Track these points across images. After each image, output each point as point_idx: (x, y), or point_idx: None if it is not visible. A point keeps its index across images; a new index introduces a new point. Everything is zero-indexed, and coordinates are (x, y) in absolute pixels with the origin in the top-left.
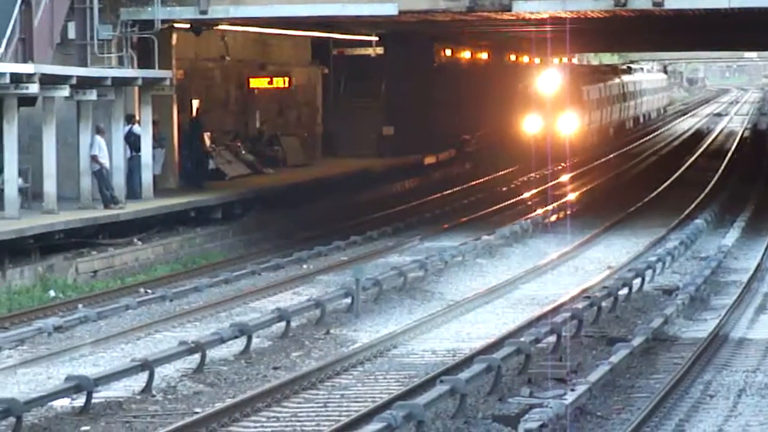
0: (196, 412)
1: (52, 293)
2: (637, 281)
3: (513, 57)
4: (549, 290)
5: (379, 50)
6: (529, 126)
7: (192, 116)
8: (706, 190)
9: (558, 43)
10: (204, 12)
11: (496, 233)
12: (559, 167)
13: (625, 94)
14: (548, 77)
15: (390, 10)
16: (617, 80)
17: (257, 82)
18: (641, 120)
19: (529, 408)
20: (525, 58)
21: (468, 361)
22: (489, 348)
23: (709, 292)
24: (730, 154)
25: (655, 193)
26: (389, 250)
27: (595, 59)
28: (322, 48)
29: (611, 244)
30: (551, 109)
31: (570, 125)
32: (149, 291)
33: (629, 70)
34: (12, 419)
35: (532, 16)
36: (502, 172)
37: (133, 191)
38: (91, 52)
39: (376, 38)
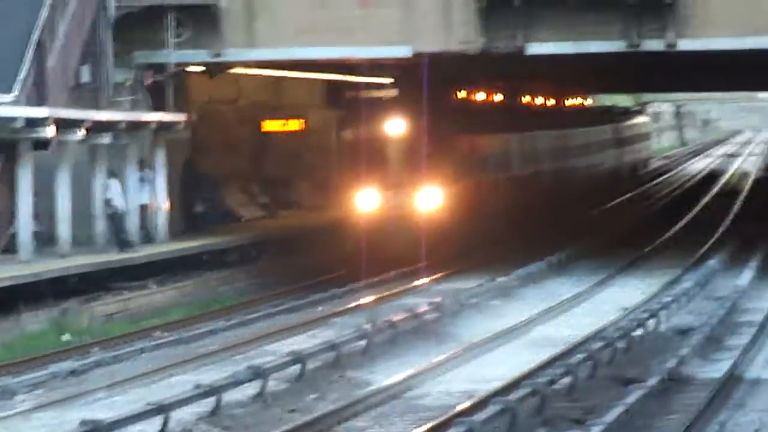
0: None
1: (66, 337)
2: (651, 322)
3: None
4: (564, 331)
5: (393, 93)
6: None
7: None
8: (720, 231)
9: (572, 84)
10: (218, 55)
11: (512, 274)
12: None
13: (563, 149)
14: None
15: (404, 52)
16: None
17: (271, 125)
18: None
19: None
20: (539, 100)
21: (484, 402)
22: (505, 389)
23: (724, 333)
24: (743, 195)
25: (670, 233)
26: (404, 292)
27: (609, 100)
28: (337, 91)
29: (626, 285)
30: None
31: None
32: (165, 334)
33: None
34: None
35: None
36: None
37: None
38: (106, 95)
39: (391, 80)
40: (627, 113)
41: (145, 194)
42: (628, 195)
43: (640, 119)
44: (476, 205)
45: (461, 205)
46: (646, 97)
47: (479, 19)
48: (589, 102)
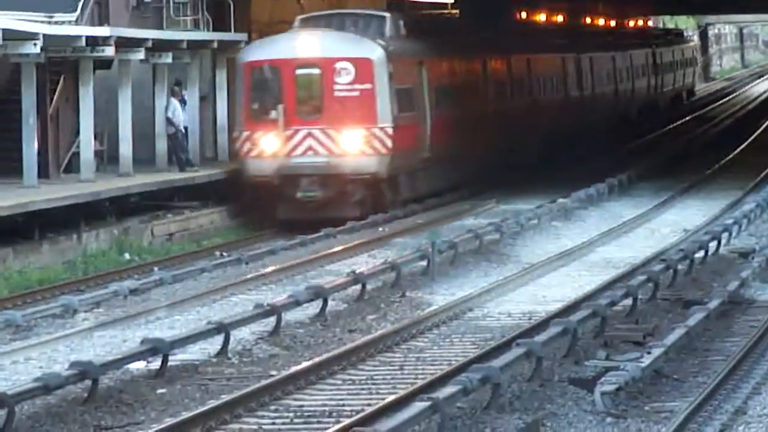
0: (272, 375)
1: (127, 256)
2: (713, 244)
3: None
4: (625, 253)
5: (455, 12)
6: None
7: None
8: None
9: (634, 4)
10: None
11: (572, 196)
12: None
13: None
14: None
15: None
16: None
17: None
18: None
19: (605, 371)
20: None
21: (544, 324)
22: (565, 311)
23: None
24: None
25: (732, 155)
26: (465, 212)
27: (670, 22)
28: (398, 7)
29: (687, 207)
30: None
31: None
32: (225, 254)
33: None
34: (88, 382)
35: None
36: None
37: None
38: (167, 14)
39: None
40: (667, 36)
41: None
42: (672, 125)
43: (682, 44)
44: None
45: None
46: (709, 18)
47: None
48: (650, 23)
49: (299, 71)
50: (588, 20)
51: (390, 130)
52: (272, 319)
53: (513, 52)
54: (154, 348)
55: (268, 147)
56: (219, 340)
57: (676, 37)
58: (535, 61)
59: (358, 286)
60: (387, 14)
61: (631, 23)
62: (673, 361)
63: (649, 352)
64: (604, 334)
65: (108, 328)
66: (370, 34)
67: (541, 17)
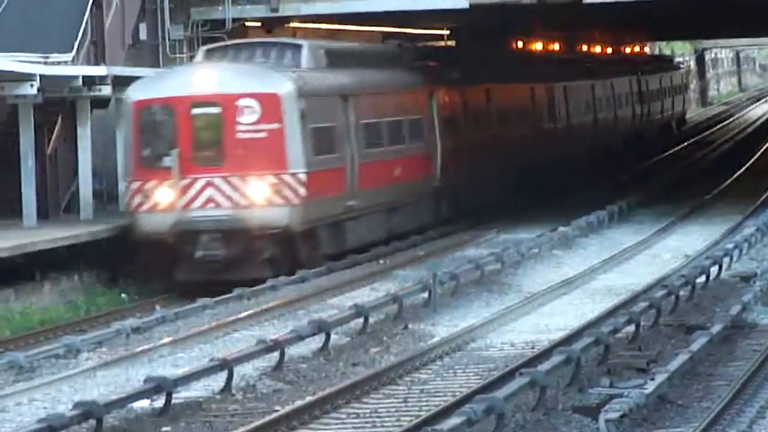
0: (276, 410)
1: (123, 295)
2: (714, 269)
3: (585, 48)
4: (626, 280)
5: (451, 44)
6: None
7: None
8: None
9: (629, 32)
10: (275, 10)
11: (572, 224)
12: None
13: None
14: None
15: (460, 3)
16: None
17: None
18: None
19: (609, 398)
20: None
21: (547, 352)
22: (568, 339)
23: None
24: None
25: (731, 180)
26: (466, 243)
27: (666, 48)
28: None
29: (687, 233)
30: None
31: None
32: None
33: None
34: (92, 422)
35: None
36: None
37: None
38: (163, 52)
39: (448, 32)
40: (655, 62)
41: None
42: (670, 151)
43: (671, 71)
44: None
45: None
46: (705, 43)
47: None
48: (646, 50)
49: (196, 110)
50: (585, 48)
51: (303, 176)
52: (275, 355)
53: (467, 83)
54: (158, 386)
55: (162, 199)
56: (223, 376)
57: (665, 63)
58: (497, 90)
59: (361, 320)
60: (304, 43)
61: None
62: (677, 386)
63: (652, 379)
64: (607, 361)
65: (111, 367)
66: (283, 65)
67: (538, 46)
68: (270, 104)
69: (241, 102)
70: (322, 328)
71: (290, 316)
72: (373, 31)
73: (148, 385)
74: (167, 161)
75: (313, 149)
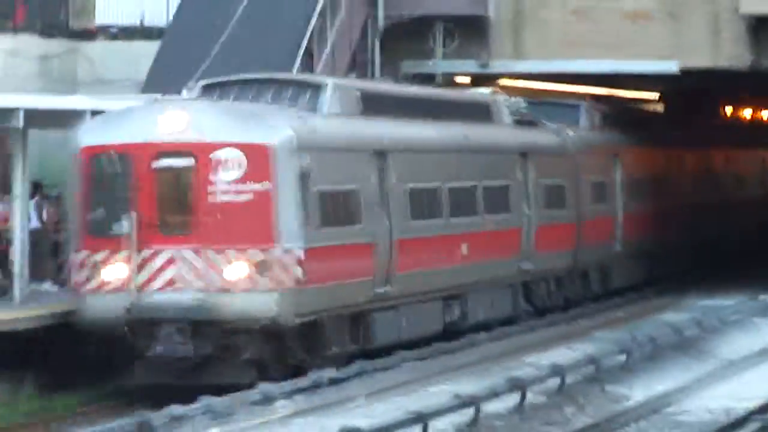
0: None
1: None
2: None
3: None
4: None
5: (659, 107)
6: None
7: None
8: None
9: None
10: (485, 66)
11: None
12: None
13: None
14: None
15: (671, 67)
16: None
17: None
18: None
19: None
20: None
21: (744, 420)
22: (764, 407)
23: None
24: None
25: None
26: (665, 307)
27: None
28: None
29: None
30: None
31: None
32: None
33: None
34: None
35: None
36: None
37: None
38: None
39: (657, 95)
40: None
41: None
42: None
43: None
44: None
45: None
46: None
47: (748, 35)
48: None
49: (160, 162)
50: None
51: (301, 253)
52: (470, 410)
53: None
54: None
55: (112, 276)
56: (417, 430)
57: None
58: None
59: (558, 379)
60: (328, 81)
61: None
62: None
63: None
64: None
65: (306, 416)
66: (296, 109)
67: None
68: (258, 157)
69: (220, 154)
70: (518, 385)
71: (486, 373)
72: (581, 93)
73: None
74: (121, 227)
75: (320, 218)
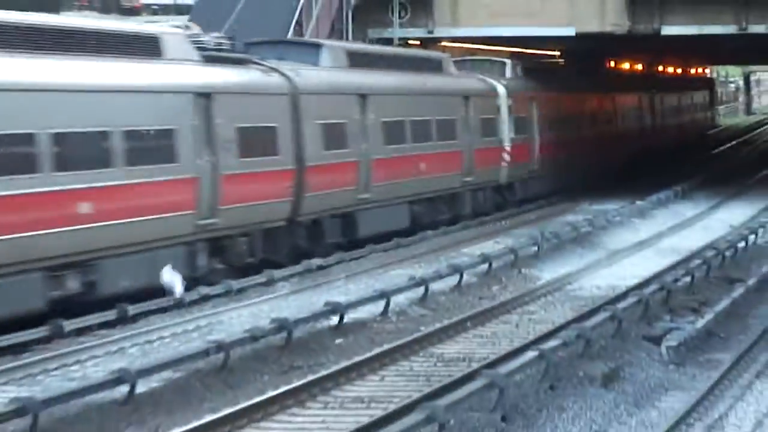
0: (421, 330)
1: None
2: (752, 237)
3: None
4: (686, 243)
5: (560, 62)
6: None
7: None
8: None
9: (695, 57)
10: (431, 32)
11: (646, 200)
12: None
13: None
14: None
15: (569, 32)
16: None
17: None
18: None
19: (669, 330)
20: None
21: (624, 295)
22: (640, 285)
23: None
24: None
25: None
26: (566, 211)
27: (722, 71)
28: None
29: (733, 209)
30: None
31: None
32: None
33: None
34: (285, 333)
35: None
36: None
37: None
38: None
39: (558, 53)
40: (698, 82)
41: None
42: (721, 148)
43: (703, 91)
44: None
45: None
46: (751, 68)
47: (627, 7)
48: (707, 72)
49: None
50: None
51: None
52: (422, 289)
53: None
54: (334, 309)
55: None
56: (382, 303)
57: (703, 82)
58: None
59: (486, 265)
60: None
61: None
62: (721, 323)
63: (702, 317)
64: (669, 302)
65: (300, 294)
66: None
67: (625, 65)
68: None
69: None
70: (457, 270)
71: (434, 261)
72: (502, 51)
73: (327, 308)
74: None
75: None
